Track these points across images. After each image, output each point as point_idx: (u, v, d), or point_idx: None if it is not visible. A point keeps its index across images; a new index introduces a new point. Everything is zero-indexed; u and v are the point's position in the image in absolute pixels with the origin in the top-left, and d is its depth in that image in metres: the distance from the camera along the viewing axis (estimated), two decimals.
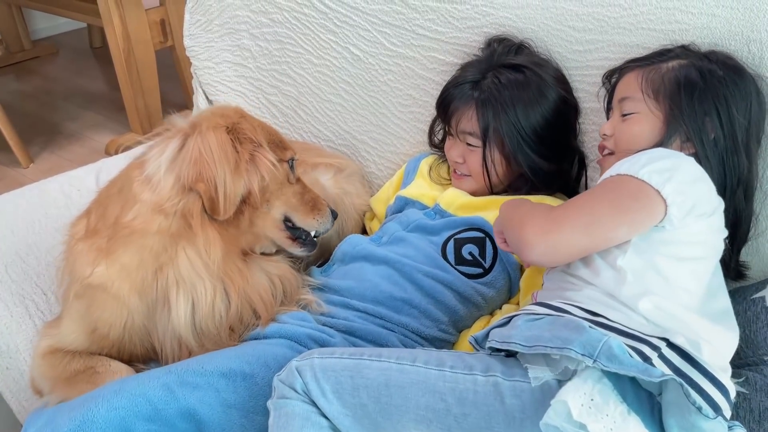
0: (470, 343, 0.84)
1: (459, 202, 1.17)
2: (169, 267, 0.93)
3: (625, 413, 0.64)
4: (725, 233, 0.86)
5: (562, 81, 1.15)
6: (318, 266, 1.18)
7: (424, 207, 1.21)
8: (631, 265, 0.78)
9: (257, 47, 1.51)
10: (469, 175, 1.19)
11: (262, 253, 1.05)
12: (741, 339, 0.88)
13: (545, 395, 0.68)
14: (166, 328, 0.95)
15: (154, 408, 0.82)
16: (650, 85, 0.94)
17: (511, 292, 1.12)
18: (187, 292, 0.94)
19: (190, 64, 1.61)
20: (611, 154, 0.98)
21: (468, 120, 1.14)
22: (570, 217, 0.79)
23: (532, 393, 0.69)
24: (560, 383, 0.68)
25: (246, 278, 0.99)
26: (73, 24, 3.84)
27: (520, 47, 1.18)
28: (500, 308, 1.12)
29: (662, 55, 0.99)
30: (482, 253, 1.09)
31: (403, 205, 1.25)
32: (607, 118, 1.04)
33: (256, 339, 0.99)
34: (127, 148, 2.47)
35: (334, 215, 1.10)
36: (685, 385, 0.62)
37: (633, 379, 0.66)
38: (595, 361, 0.64)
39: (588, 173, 1.19)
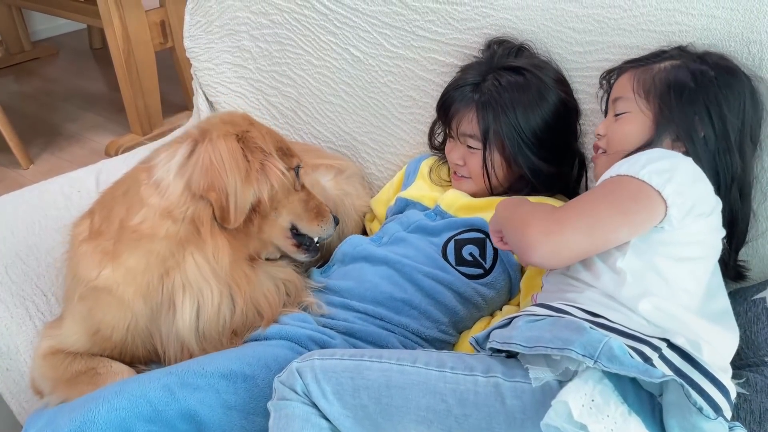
0: (471, 344, 0.84)
1: (459, 203, 1.17)
2: (176, 271, 0.94)
3: (625, 414, 0.64)
4: (723, 233, 0.86)
5: (562, 83, 1.15)
6: (318, 267, 1.18)
7: (424, 208, 1.21)
8: (630, 266, 0.78)
9: (257, 48, 1.52)
10: (470, 177, 1.19)
11: (267, 259, 1.06)
12: (741, 340, 0.88)
13: (546, 396, 0.68)
14: (170, 330, 0.96)
15: (154, 409, 0.82)
16: (641, 85, 0.95)
17: (511, 293, 1.12)
18: (194, 296, 0.95)
19: (190, 65, 1.61)
20: (604, 153, 0.99)
21: (468, 122, 1.14)
22: (572, 218, 0.79)
23: (533, 394, 0.69)
24: (561, 384, 0.68)
25: (253, 283, 0.99)
26: (73, 25, 3.84)
27: (520, 49, 1.18)
28: (500, 309, 1.12)
29: (657, 56, 1.00)
30: (482, 254, 1.09)
31: (403, 206, 1.25)
32: None
33: (256, 340, 0.99)
34: (128, 149, 2.48)
35: (336, 221, 1.12)
36: (686, 386, 0.62)
37: (634, 380, 0.66)
38: (595, 361, 0.64)
39: (588, 174, 1.19)
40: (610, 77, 1.06)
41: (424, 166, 1.30)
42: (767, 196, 0.99)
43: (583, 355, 0.65)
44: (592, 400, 0.63)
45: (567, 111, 1.15)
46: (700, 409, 0.61)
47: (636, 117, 0.94)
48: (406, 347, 1.00)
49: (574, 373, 0.67)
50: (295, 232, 1.06)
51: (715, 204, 0.84)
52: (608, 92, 1.05)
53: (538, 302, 0.83)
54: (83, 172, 1.52)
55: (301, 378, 0.78)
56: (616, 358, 0.63)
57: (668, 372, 0.64)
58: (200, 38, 1.56)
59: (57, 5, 2.91)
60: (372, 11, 1.35)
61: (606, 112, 1.07)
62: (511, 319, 0.79)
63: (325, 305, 1.04)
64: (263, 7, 1.47)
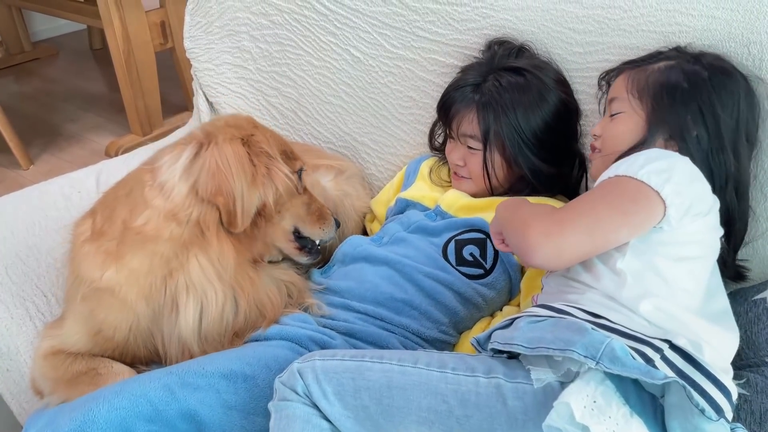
0: (472, 344, 0.84)
1: (460, 204, 1.17)
2: (179, 273, 0.94)
3: (627, 415, 0.64)
4: (721, 232, 0.86)
5: (563, 84, 1.15)
6: (318, 267, 1.18)
7: (425, 209, 1.21)
8: (630, 267, 0.78)
9: (257, 49, 1.52)
10: (470, 178, 1.19)
11: (269, 262, 1.07)
12: (742, 340, 0.88)
13: (548, 397, 0.68)
14: (172, 331, 0.96)
15: (154, 409, 0.82)
16: (635, 85, 0.96)
17: (511, 294, 1.12)
18: (197, 298, 0.95)
19: (190, 65, 1.61)
20: (600, 153, 0.99)
21: (469, 123, 1.14)
22: (573, 219, 0.79)
23: (535, 395, 0.69)
24: (563, 385, 0.68)
25: (256, 286, 1.00)
26: (73, 26, 3.84)
27: (520, 50, 1.18)
28: (501, 310, 1.12)
29: (654, 57, 1.01)
30: (483, 254, 1.09)
31: (404, 207, 1.25)
32: None
33: (256, 341, 0.99)
34: (128, 149, 2.48)
35: (337, 224, 1.12)
36: (688, 388, 0.62)
37: (635, 381, 0.66)
38: (597, 363, 0.64)
39: (588, 175, 1.19)
40: (608, 78, 1.07)
41: (424, 167, 1.30)
42: (767, 196, 0.99)
43: (584, 356, 0.64)
44: (594, 402, 0.63)
45: (567, 111, 1.15)
46: (702, 411, 0.61)
47: (629, 117, 0.95)
48: (406, 348, 1.00)
49: (576, 374, 0.67)
50: (297, 235, 1.07)
51: (713, 203, 0.84)
52: (607, 93, 1.05)
53: (538, 303, 0.83)
54: (83, 172, 1.52)
55: (302, 379, 0.78)
56: (618, 360, 0.63)
57: (670, 373, 0.64)
58: (200, 39, 1.56)
59: (57, 6, 2.91)
60: (372, 12, 1.35)
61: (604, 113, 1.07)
62: (513, 320, 0.79)
63: (325, 306, 1.04)
64: (263, 8, 1.47)
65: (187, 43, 1.58)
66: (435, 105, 1.23)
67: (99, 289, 0.94)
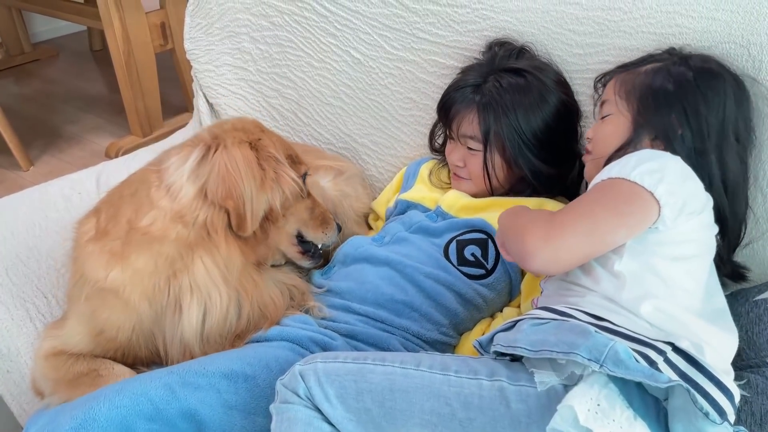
0: (474, 347, 0.84)
1: (460, 204, 1.17)
2: (184, 274, 0.94)
3: (631, 418, 0.64)
4: (716, 229, 0.87)
5: (563, 85, 1.15)
6: (317, 268, 1.18)
7: (425, 209, 1.21)
8: (628, 268, 0.79)
9: (258, 50, 1.52)
10: (470, 179, 1.19)
11: (272, 265, 1.07)
12: (743, 341, 0.88)
13: (551, 400, 0.67)
14: (174, 332, 0.96)
15: (155, 407, 0.82)
16: (623, 87, 0.97)
17: (511, 295, 1.12)
18: (201, 300, 0.95)
19: (191, 67, 1.61)
20: (591, 156, 1.01)
21: (469, 123, 1.14)
22: (570, 222, 0.79)
23: (538, 398, 0.69)
24: (566, 388, 0.68)
25: (260, 289, 1.01)
26: (73, 27, 3.84)
27: (521, 51, 1.18)
28: (501, 311, 1.12)
29: (645, 60, 1.01)
30: (485, 255, 1.09)
31: (405, 208, 1.25)
32: None
33: (257, 341, 0.99)
34: (128, 151, 2.48)
35: (339, 228, 1.13)
36: (692, 391, 0.62)
37: (639, 384, 0.66)
38: (601, 366, 0.64)
39: None
40: (604, 81, 1.07)
41: (424, 170, 1.30)
42: (767, 197, 0.99)
43: (588, 360, 0.65)
44: (598, 405, 0.63)
45: (568, 112, 1.15)
46: (707, 414, 0.61)
47: (616, 118, 0.96)
48: (407, 349, 1.00)
49: (580, 377, 0.67)
50: (300, 239, 1.08)
51: (706, 201, 0.85)
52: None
53: (540, 306, 0.83)
54: (84, 173, 1.52)
55: (303, 381, 0.78)
56: (622, 363, 0.63)
57: (674, 376, 0.64)
58: (201, 40, 1.56)
59: (57, 7, 2.92)
60: (372, 13, 1.35)
61: None
62: (515, 323, 0.79)
63: (326, 308, 1.05)
64: (264, 9, 1.47)
65: (187, 45, 1.58)
66: (435, 106, 1.23)
67: (103, 289, 0.95)
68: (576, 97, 1.17)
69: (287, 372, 0.81)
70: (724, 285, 0.97)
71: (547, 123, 1.11)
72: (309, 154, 1.34)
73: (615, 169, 0.82)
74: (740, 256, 1.00)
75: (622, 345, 0.65)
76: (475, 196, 1.19)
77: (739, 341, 0.86)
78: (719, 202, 0.89)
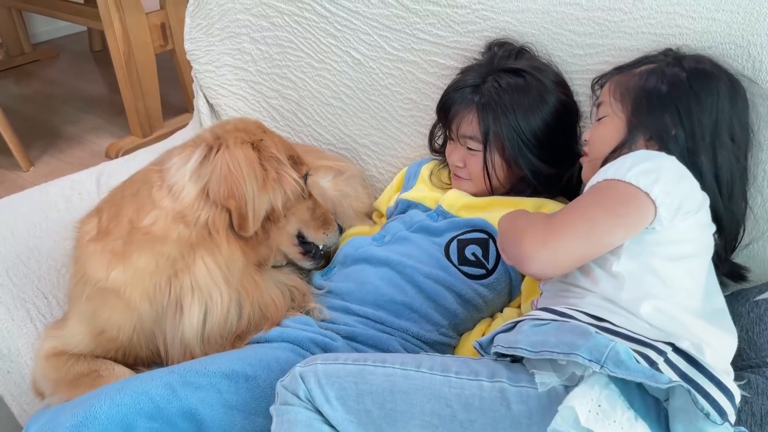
0: (475, 348, 0.84)
1: (461, 203, 1.17)
2: (185, 274, 0.95)
3: (632, 419, 0.64)
4: (713, 228, 0.87)
5: (562, 85, 1.15)
6: (319, 269, 1.18)
7: (426, 209, 1.21)
8: (626, 269, 0.79)
9: (258, 51, 1.52)
10: (470, 179, 1.19)
11: (273, 266, 1.08)
12: (743, 341, 0.88)
13: (552, 401, 0.67)
14: (175, 333, 0.96)
15: (156, 406, 0.82)
16: (617, 88, 0.98)
17: (510, 296, 1.12)
18: (202, 300, 0.95)
19: (191, 67, 1.61)
20: (588, 158, 1.01)
21: (468, 124, 1.14)
22: (567, 225, 0.79)
23: (539, 399, 0.69)
24: (567, 389, 0.68)
25: (261, 289, 1.01)
26: (73, 27, 3.84)
27: (520, 51, 1.18)
28: (501, 312, 1.12)
29: (640, 61, 1.02)
30: (485, 254, 1.09)
31: (405, 207, 1.25)
32: None
33: (258, 343, 0.99)
34: (128, 151, 2.48)
35: (341, 229, 1.14)
36: (693, 391, 0.62)
37: (640, 385, 0.66)
38: (602, 366, 0.64)
39: None
40: (601, 83, 1.07)
41: (425, 170, 1.30)
42: (766, 198, 0.99)
43: (589, 360, 0.64)
44: (599, 406, 0.63)
45: (567, 113, 1.15)
46: (707, 415, 0.61)
47: (611, 120, 0.97)
48: (407, 350, 1.00)
49: (580, 378, 0.67)
50: (301, 239, 1.08)
51: (702, 200, 0.85)
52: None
53: (540, 307, 0.83)
54: (84, 174, 1.52)
55: (304, 383, 0.78)
56: (623, 363, 0.63)
57: (674, 377, 0.64)
58: (201, 41, 1.56)
59: (57, 7, 2.92)
60: (372, 14, 1.35)
61: None
62: (516, 323, 0.79)
63: (326, 310, 1.05)
64: (264, 10, 1.47)
65: (187, 45, 1.58)
66: (435, 107, 1.23)
67: (104, 289, 0.95)
68: (576, 98, 1.17)
69: (287, 374, 0.81)
70: (724, 285, 0.97)
71: (547, 123, 1.12)
72: (309, 154, 1.34)
73: (611, 170, 0.83)
74: (740, 256, 1.00)
75: (623, 346, 0.65)
76: (475, 196, 1.19)
77: (740, 341, 0.86)
78: (714, 202, 0.89)
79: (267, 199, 0.97)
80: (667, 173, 0.81)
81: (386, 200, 1.33)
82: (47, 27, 3.86)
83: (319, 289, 1.10)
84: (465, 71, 1.21)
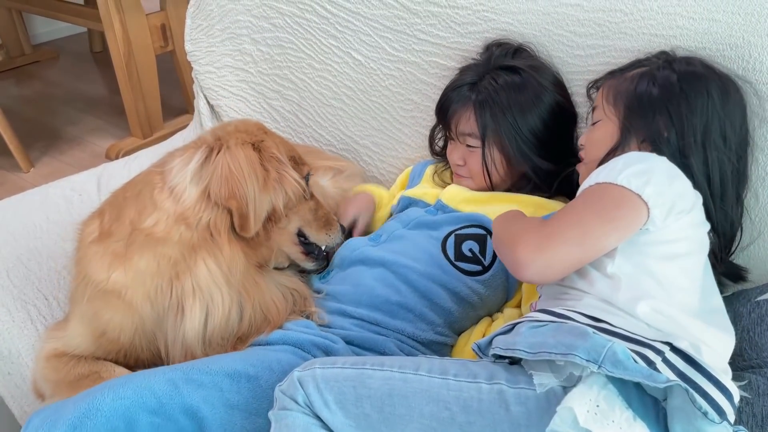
0: (473, 350, 0.84)
1: (462, 197, 1.17)
2: (186, 275, 0.94)
3: (630, 419, 0.63)
4: (708, 226, 0.87)
5: (559, 85, 1.16)
6: (320, 271, 1.18)
7: (426, 205, 1.21)
8: (621, 270, 0.79)
9: (259, 52, 1.52)
10: (470, 177, 1.19)
11: (275, 268, 1.08)
12: (745, 341, 0.88)
13: (550, 402, 0.67)
14: (176, 334, 0.96)
15: (158, 401, 0.82)
16: (610, 92, 0.98)
17: (507, 293, 1.12)
18: (204, 302, 0.95)
19: (191, 68, 1.61)
20: (584, 162, 1.02)
21: (466, 121, 1.15)
22: (561, 231, 0.79)
23: (537, 400, 0.69)
24: (565, 390, 0.68)
25: (262, 291, 1.01)
26: (73, 28, 3.85)
27: (517, 50, 1.18)
28: (501, 312, 1.12)
29: (633, 65, 1.03)
30: (482, 251, 1.09)
31: (406, 204, 1.25)
32: None
33: (259, 345, 0.99)
34: (128, 152, 2.48)
35: (343, 230, 1.14)
36: (691, 391, 0.62)
37: (638, 385, 0.66)
38: (599, 366, 0.64)
39: None
40: (597, 87, 1.08)
41: (430, 170, 1.31)
42: (760, 199, 0.99)
43: (587, 361, 0.64)
44: (597, 406, 0.63)
45: (563, 112, 1.15)
46: (705, 414, 0.61)
47: (605, 124, 0.98)
48: (402, 351, 1.00)
49: (578, 379, 0.67)
50: (303, 240, 1.08)
51: (695, 199, 0.85)
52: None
53: (539, 309, 0.83)
54: (84, 175, 1.52)
55: (302, 388, 0.78)
56: (620, 363, 0.63)
57: (672, 376, 0.64)
58: (201, 42, 1.56)
59: (57, 9, 2.92)
60: (373, 15, 1.35)
61: None
62: (514, 325, 0.79)
63: (327, 315, 1.05)
64: (264, 11, 1.47)
65: (188, 46, 1.58)
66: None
67: (106, 291, 0.95)
68: (576, 99, 1.17)
69: (286, 378, 0.81)
70: (723, 286, 0.97)
71: (544, 120, 1.12)
72: (310, 155, 1.34)
73: (602, 173, 0.83)
74: (740, 257, 1.00)
75: (621, 345, 0.65)
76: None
77: (741, 342, 0.86)
78: (706, 203, 0.90)
79: (268, 199, 0.97)
80: (659, 174, 0.82)
81: (390, 197, 1.33)
82: (47, 28, 3.86)
83: (318, 293, 1.10)
84: (463, 70, 1.22)
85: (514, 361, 0.76)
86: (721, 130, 0.92)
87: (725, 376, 0.68)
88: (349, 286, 1.07)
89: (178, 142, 1.60)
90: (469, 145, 1.16)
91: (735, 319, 0.93)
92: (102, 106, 3.18)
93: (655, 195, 0.78)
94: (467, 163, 1.18)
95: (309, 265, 1.10)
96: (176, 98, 3.03)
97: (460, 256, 1.08)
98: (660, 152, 0.89)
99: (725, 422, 0.63)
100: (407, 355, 1.00)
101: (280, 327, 1.01)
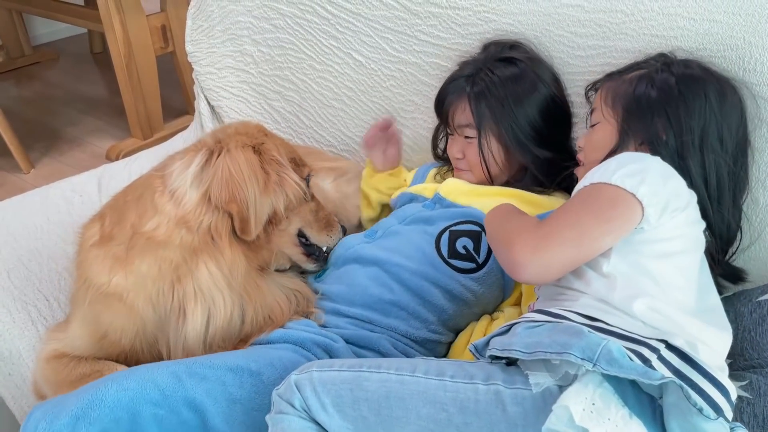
0: (470, 351, 0.84)
1: (460, 189, 1.17)
2: (188, 279, 0.95)
3: (626, 417, 0.64)
4: (703, 225, 0.87)
5: (554, 79, 1.17)
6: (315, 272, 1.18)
7: (424, 200, 1.21)
8: (617, 269, 0.79)
9: (259, 53, 1.52)
10: (469, 170, 1.19)
11: (276, 270, 1.08)
12: (746, 341, 0.89)
13: (547, 401, 0.67)
14: (178, 338, 0.96)
15: (162, 393, 0.82)
16: (609, 94, 0.99)
17: (504, 291, 1.11)
18: (205, 305, 0.96)
19: (191, 69, 1.61)
20: (583, 165, 1.02)
21: (462, 112, 1.15)
22: (557, 231, 0.80)
23: (534, 400, 0.69)
24: (561, 389, 0.68)
25: (264, 294, 1.01)
26: (73, 29, 3.84)
27: (514, 45, 1.19)
28: (502, 311, 1.12)
29: (632, 67, 1.03)
30: (477, 248, 1.08)
31: (406, 200, 1.25)
32: None
33: (260, 344, 0.99)
34: (128, 153, 2.48)
35: (344, 230, 1.14)
36: (686, 387, 0.62)
37: (633, 383, 0.66)
38: (594, 365, 0.64)
39: None
40: (595, 89, 1.08)
41: (433, 171, 1.31)
42: (759, 201, 0.99)
43: (582, 359, 0.65)
44: (593, 404, 0.63)
45: (557, 107, 1.16)
46: (701, 410, 0.61)
47: (603, 126, 0.98)
48: (397, 348, 1.01)
49: (574, 377, 0.67)
50: (304, 241, 1.08)
51: (690, 197, 0.85)
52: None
53: (535, 309, 0.83)
54: (85, 176, 1.52)
55: (299, 391, 0.78)
56: (615, 361, 0.63)
57: (667, 373, 0.64)
58: (202, 42, 1.56)
59: (58, 10, 2.92)
60: (374, 16, 1.35)
61: None
62: (510, 326, 0.79)
63: (324, 316, 1.05)
64: (265, 12, 1.48)
65: (188, 47, 1.58)
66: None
67: (107, 294, 0.95)
68: (577, 99, 1.17)
69: (283, 381, 0.81)
70: (723, 287, 0.97)
71: (540, 110, 1.13)
72: (311, 156, 1.34)
73: (597, 174, 0.83)
74: (740, 258, 1.00)
75: (615, 344, 0.66)
76: None
77: (742, 342, 0.86)
78: (703, 205, 0.90)
79: (269, 202, 0.98)
80: (653, 173, 0.82)
81: (389, 185, 1.33)
82: (48, 29, 3.86)
83: (314, 293, 1.11)
84: (460, 66, 1.22)
85: (511, 362, 0.76)
86: (719, 133, 0.93)
87: (722, 373, 0.69)
88: (343, 286, 1.08)
89: (179, 143, 1.60)
90: (467, 137, 1.17)
91: (736, 319, 0.93)
92: (102, 107, 3.18)
93: (650, 194, 0.79)
94: (466, 155, 1.18)
95: (310, 266, 1.11)
96: (177, 99, 3.03)
97: (453, 253, 1.08)
98: (658, 155, 0.89)
99: (722, 419, 0.63)
100: (402, 352, 1.01)
101: (282, 326, 1.02)
